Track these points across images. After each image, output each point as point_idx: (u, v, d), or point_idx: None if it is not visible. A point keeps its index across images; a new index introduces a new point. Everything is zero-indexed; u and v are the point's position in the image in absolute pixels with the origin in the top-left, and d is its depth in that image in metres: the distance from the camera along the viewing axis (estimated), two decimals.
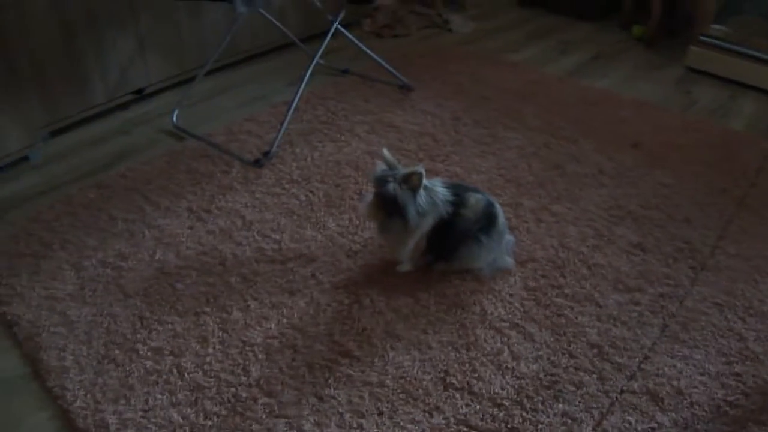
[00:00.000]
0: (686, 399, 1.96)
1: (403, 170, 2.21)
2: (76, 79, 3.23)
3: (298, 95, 3.13)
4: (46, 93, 3.11)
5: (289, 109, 3.12)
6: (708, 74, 3.88)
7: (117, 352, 2.11)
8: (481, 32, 4.64)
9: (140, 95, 3.61)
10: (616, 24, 4.72)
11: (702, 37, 3.84)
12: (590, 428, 1.89)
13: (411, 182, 2.19)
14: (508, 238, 2.42)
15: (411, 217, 2.22)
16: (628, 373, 2.04)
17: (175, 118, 3.37)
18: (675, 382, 2.01)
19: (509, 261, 2.42)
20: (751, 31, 3.75)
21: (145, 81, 3.58)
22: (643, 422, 1.90)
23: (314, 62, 3.18)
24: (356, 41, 3.55)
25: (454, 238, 2.29)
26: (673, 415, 1.92)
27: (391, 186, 2.19)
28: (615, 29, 4.64)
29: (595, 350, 2.11)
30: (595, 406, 1.94)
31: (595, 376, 2.03)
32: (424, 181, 2.22)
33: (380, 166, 2.26)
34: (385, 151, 2.26)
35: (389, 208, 2.22)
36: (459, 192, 2.30)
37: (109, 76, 3.37)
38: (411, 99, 3.58)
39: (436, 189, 2.26)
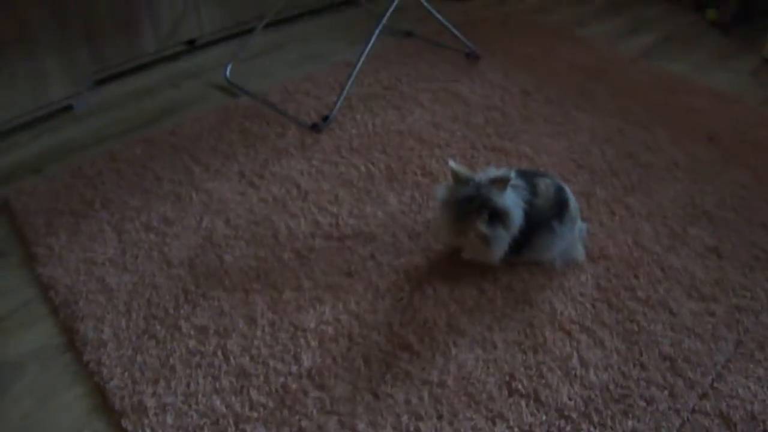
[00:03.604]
0: (760, 426, 1.82)
1: (484, 176, 2.08)
2: (126, 27, 3.11)
3: (363, 58, 2.97)
4: (93, 40, 2.99)
5: (352, 71, 2.97)
6: None
7: (158, 327, 2.01)
8: (550, 2, 4.47)
9: (192, 46, 3.49)
10: (689, 5, 4.53)
11: None
12: None
13: (501, 186, 2.05)
14: (581, 224, 2.29)
15: (516, 218, 2.09)
16: (700, 391, 1.90)
17: (228, 73, 3.25)
18: (749, 406, 1.86)
19: (581, 251, 2.29)
20: None
21: (198, 32, 3.45)
22: None
23: (382, 22, 3.02)
24: (424, 2, 3.39)
25: (527, 228, 2.14)
26: None
27: (495, 197, 2.05)
28: (688, 11, 4.46)
29: (668, 363, 1.97)
30: (665, 425, 1.81)
31: (666, 392, 1.89)
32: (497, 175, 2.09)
33: (443, 186, 2.17)
34: (453, 163, 2.11)
35: (494, 220, 2.08)
36: (527, 179, 2.16)
37: (161, 24, 3.25)
38: (478, 68, 3.42)
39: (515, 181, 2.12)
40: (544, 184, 2.16)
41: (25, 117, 2.85)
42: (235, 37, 3.59)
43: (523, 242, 2.17)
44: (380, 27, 2.99)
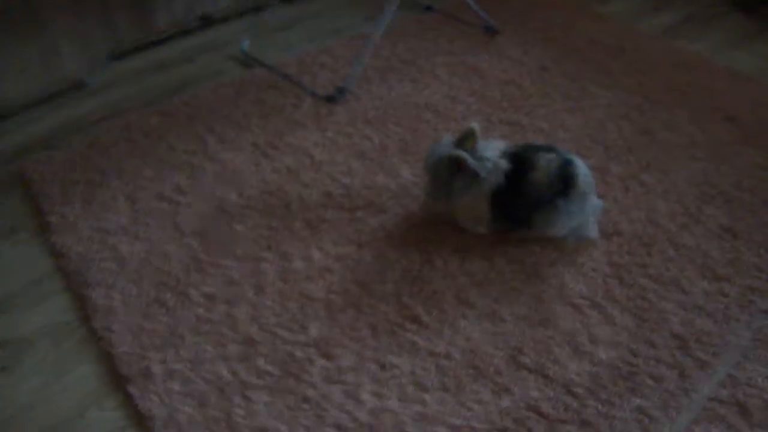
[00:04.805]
0: None
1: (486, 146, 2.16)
2: (140, 2, 3.11)
3: (381, 29, 2.95)
4: (107, 16, 2.99)
5: (368, 44, 2.95)
6: None
7: (168, 295, 2.01)
8: None
9: (207, 22, 3.47)
10: None
11: None
12: (666, 428, 1.75)
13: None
14: (596, 202, 2.25)
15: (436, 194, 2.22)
16: (710, 371, 1.88)
17: (244, 47, 3.24)
18: (767, 396, 1.84)
19: (595, 228, 2.26)
20: None
21: (213, 6, 3.44)
22: None
23: None
24: None
25: (525, 205, 2.15)
26: None
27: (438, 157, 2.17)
28: None
29: (678, 342, 1.96)
30: (673, 404, 1.79)
31: (675, 371, 1.88)
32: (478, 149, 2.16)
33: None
34: (474, 124, 2.15)
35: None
36: (527, 154, 2.16)
37: (175, 0, 3.23)
38: (496, 43, 3.39)
39: (487, 158, 2.15)
40: (545, 160, 2.13)
41: (39, 93, 2.85)
42: (250, 13, 3.58)
43: (524, 218, 2.18)
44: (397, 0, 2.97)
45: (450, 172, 2.13)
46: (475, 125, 2.13)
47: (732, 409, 1.80)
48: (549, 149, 2.19)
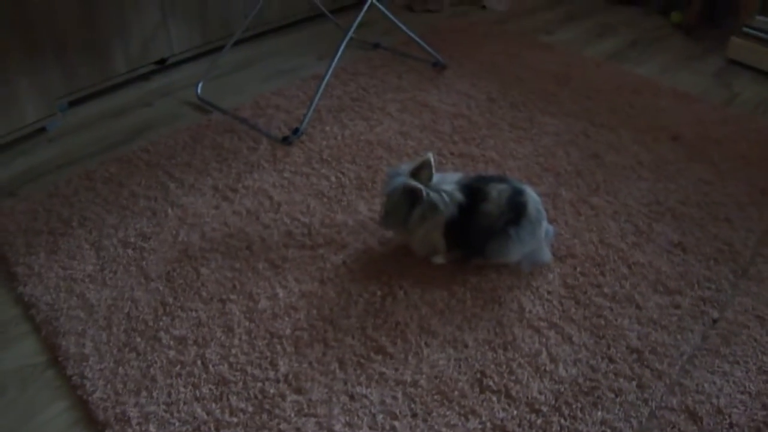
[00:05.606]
0: (726, 419, 1.86)
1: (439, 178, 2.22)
2: (97, 48, 3.13)
3: (331, 70, 3.01)
4: (65, 62, 3.01)
5: (320, 84, 3.00)
6: (750, 68, 3.72)
7: (138, 339, 2.03)
8: (516, 11, 4.51)
9: (163, 66, 3.51)
10: (654, 9, 4.58)
11: (745, 29, 3.69)
12: None
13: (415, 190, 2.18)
14: (548, 227, 2.30)
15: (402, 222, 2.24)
16: (668, 381, 1.94)
17: (199, 90, 3.27)
18: (715, 401, 1.90)
19: (548, 253, 2.32)
20: None
21: (169, 51, 3.47)
22: None
23: (348, 36, 3.05)
24: (390, 15, 3.41)
25: (478, 234, 2.20)
26: None
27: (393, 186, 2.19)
28: (653, 14, 4.50)
29: (635, 355, 2.02)
30: (634, 415, 1.85)
31: (634, 383, 1.94)
32: (435, 181, 2.21)
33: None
34: (430, 155, 2.19)
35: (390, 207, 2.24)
36: (480, 185, 2.21)
37: (131, 45, 3.27)
38: (444, 77, 3.46)
39: (441, 191, 2.19)
40: (496, 191, 2.19)
41: None
42: (205, 56, 3.61)
43: (479, 247, 2.24)
44: (346, 40, 3.03)
45: (408, 203, 2.17)
46: (430, 155, 2.17)
47: (682, 416, 1.86)
48: (501, 179, 2.25)
